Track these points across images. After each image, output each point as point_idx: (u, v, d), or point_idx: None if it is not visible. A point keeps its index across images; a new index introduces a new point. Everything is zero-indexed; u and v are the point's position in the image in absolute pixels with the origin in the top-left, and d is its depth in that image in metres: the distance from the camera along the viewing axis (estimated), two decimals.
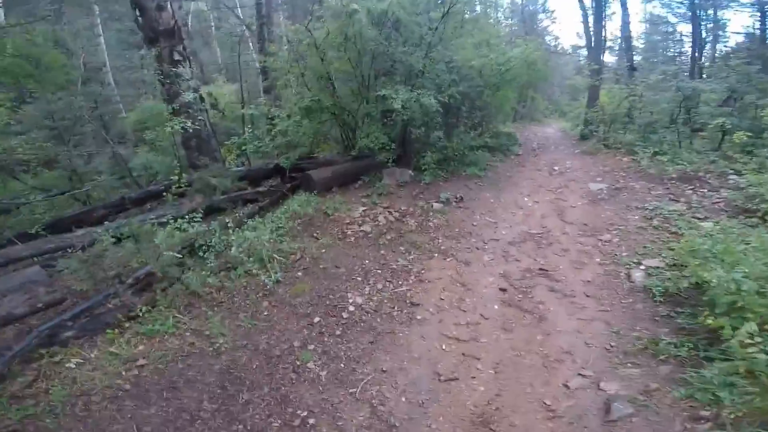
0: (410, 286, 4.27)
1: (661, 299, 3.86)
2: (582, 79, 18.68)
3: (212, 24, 19.50)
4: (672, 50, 22.39)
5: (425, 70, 6.32)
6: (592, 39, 12.82)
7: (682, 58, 21.52)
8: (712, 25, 14.91)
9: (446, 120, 7.21)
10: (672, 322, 3.56)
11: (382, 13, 6.25)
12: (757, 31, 14.22)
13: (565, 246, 5.14)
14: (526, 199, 6.68)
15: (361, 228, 5.33)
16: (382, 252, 4.88)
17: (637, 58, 15.98)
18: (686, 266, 4.25)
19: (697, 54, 13.78)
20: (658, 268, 4.43)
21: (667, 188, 6.82)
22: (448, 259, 4.76)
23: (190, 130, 6.35)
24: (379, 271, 4.51)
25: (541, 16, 22.56)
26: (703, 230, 5.11)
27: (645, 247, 4.96)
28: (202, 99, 7.59)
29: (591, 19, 12.78)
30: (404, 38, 6.46)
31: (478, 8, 10.12)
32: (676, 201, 6.26)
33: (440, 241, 5.16)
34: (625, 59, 14.23)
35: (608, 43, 14.86)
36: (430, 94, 5.94)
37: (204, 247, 4.58)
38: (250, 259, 4.48)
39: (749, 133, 5.83)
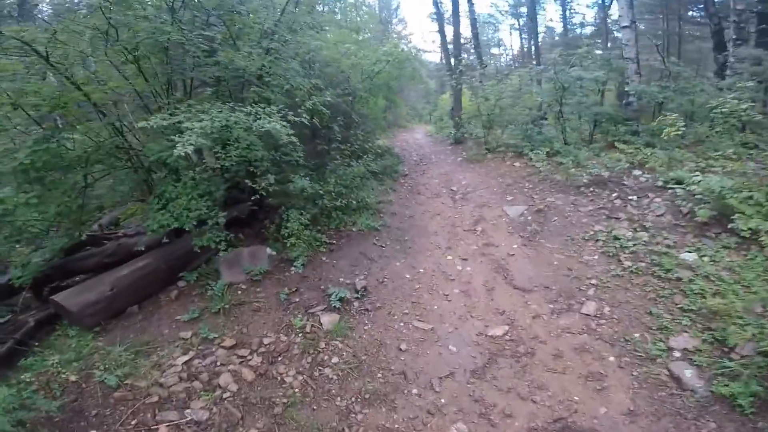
0: None
1: (754, 410, 2.47)
2: (433, 82, 18.49)
3: None
4: (497, 47, 24.52)
5: (266, 73, 3.45)
6: (449, 39, 11.93)
7: (509, 52, 23.72)
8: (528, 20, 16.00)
9: (314, 148, 4.50)
10: None
11: None
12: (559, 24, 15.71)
13: (551, 347, 3.13)
14: (449, 257, 4.49)
15: (186, 415, 2.28)
16: None
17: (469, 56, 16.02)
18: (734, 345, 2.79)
19: (532, 46, 14.31)
20: (699, 351, 2.99)
21: (592, 200, 5.64)
22: None
23: None
24: None
25: (395, 20, 21.93)
26: (696, 268, 3.81)
27: (650, 313, 3.33)
28: None
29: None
30: (234, 33, 3.47)
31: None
32: (617, 219, 5.03)
33: (358, 416, 2.48)
34: (474, 58, 13.94)
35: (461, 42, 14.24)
36: (275, 112, 3.15)
37: None
38: None
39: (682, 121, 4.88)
